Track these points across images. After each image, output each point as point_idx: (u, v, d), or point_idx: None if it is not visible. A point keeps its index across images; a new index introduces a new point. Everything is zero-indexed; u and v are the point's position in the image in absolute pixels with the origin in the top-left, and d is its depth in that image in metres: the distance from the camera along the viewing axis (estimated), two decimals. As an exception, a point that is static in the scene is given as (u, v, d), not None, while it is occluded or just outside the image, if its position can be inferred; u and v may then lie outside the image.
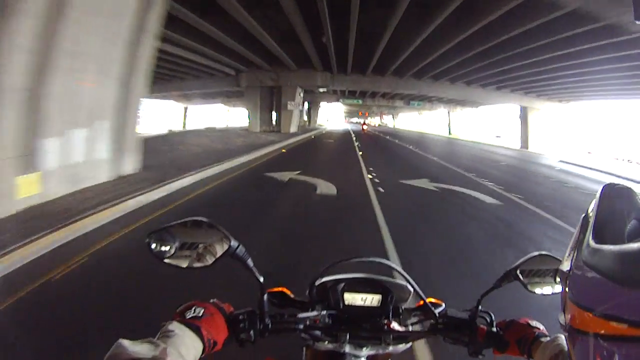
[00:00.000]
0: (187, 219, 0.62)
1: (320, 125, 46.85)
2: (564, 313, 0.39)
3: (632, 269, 0.28)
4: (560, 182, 11.39)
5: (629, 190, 0.41)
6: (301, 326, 0.67)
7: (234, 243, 0.62)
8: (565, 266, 0.41)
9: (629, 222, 0.38)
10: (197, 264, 0.62)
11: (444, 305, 0.74)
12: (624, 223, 0.38)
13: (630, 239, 0.36)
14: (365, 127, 40.18)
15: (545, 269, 0.69)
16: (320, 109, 43.55)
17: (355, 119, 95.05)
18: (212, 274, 0.93)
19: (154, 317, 0.66)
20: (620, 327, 0.28)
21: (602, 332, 0.30)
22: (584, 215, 0.43)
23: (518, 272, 0.68)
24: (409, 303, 0.76)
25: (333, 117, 78.85)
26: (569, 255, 0.41)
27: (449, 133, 44.08)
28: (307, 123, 39.09)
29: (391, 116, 73.50)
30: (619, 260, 0.30)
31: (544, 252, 0.69)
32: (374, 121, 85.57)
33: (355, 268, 0.75)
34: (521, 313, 0.73)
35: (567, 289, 0.39)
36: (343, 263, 0.72)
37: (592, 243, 0.36)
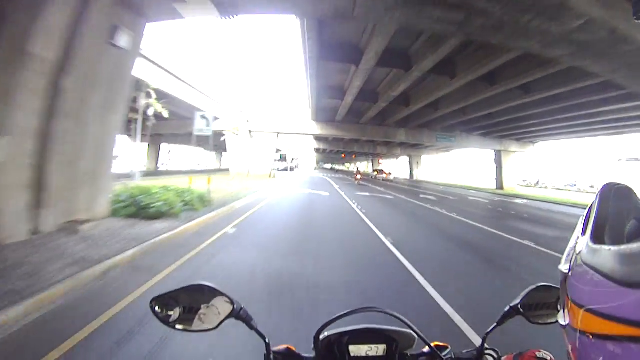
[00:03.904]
0: (190, 284, 0.64)
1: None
2: (564, 313, 0.39)
3: (632, 269, 0.29)
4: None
5: (628, 190, 0.41)
6: None
7: (237, 305, 0.65)
8: (565, 266, 0.41)
9: (629, 222, 0.38)
10: (202, 327, 0.64)
11: (449, 347, 0.74)
12: (623, 223, 0.38)
13: (630, 239, 0.36)
14: (358, 176, 30.99)
15: (546, 299, 0.71)
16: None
17: (329, 165, 70.71)
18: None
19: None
20: (620, 327, 0.28)
21: (602, 332, 0.30)
22: (583, 215, 0.43)
23: (520, 306, 0.70)
24: (415, 349, 0.75)
25: (298, 154, 44.22)
26: (569, 255, 0.42)
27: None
28: None
29: (407, 158, 47.41)
30: (618, 260, 0.31)
31: (543, 284, 0.71)
32: (362, 168, 64.97)
33: (358, 319, 0.72)
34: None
35: (567, 289, 0.39)
36: (344, 317, 0.69)
37: (591, 243, 0.37)
